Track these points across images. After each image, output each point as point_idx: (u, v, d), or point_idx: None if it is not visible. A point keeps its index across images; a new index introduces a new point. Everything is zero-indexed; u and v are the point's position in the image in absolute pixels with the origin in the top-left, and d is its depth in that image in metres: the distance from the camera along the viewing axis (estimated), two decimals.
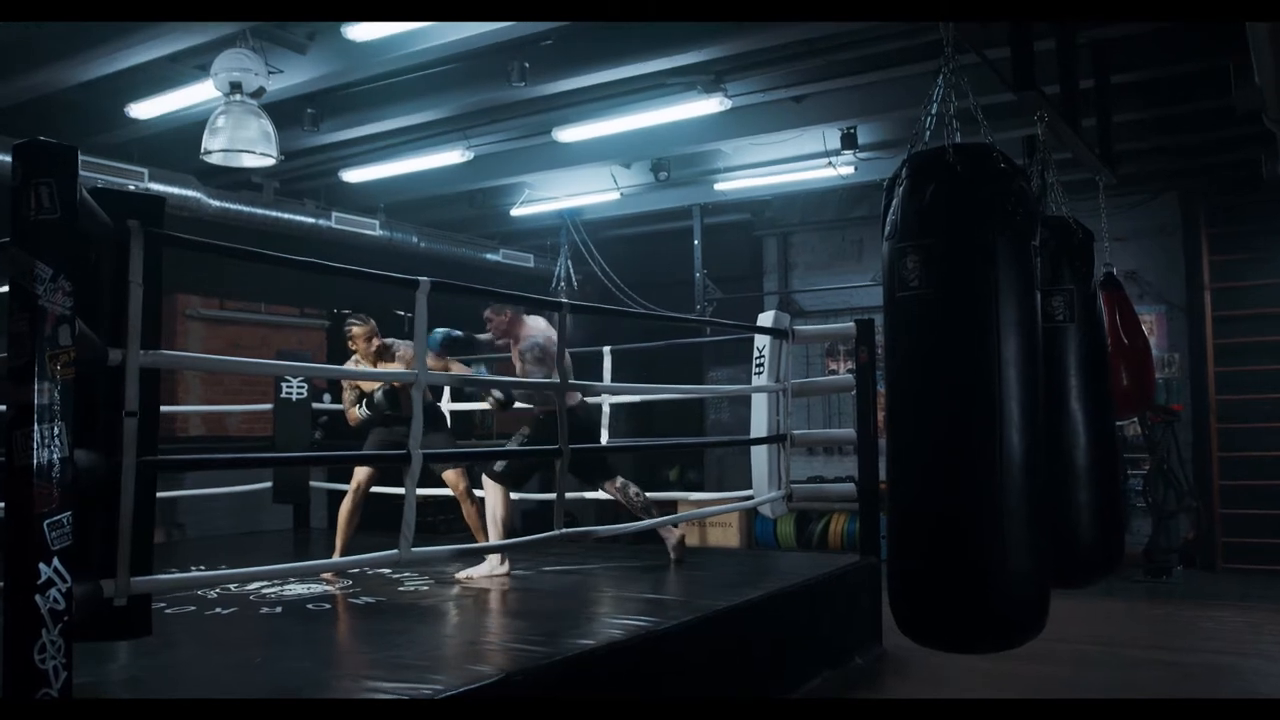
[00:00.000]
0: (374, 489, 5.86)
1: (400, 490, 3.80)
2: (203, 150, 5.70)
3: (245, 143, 5.62)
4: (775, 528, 10.18)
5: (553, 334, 5.33)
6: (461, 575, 5.37)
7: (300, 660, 3.70)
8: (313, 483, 7.78)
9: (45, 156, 2.32)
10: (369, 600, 4.83)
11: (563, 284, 10.63)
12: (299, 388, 7.31)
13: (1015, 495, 3.03)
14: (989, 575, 3.03)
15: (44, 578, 2.23)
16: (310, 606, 4.68)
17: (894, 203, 3.20)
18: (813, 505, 10.04)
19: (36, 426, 2.24)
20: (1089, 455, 4.22)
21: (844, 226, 10.97)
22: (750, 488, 6.31)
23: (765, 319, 6.15)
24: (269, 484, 7.47)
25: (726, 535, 10.28)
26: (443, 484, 6.37)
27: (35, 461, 2.23)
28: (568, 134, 7.44)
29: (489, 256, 10.93)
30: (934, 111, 3.36)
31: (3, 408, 2.32)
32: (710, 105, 6.73)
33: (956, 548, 3.06)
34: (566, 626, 4.25)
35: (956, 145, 3.15)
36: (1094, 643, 5.96)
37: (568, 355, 4.85)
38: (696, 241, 10.49)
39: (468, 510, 5.80)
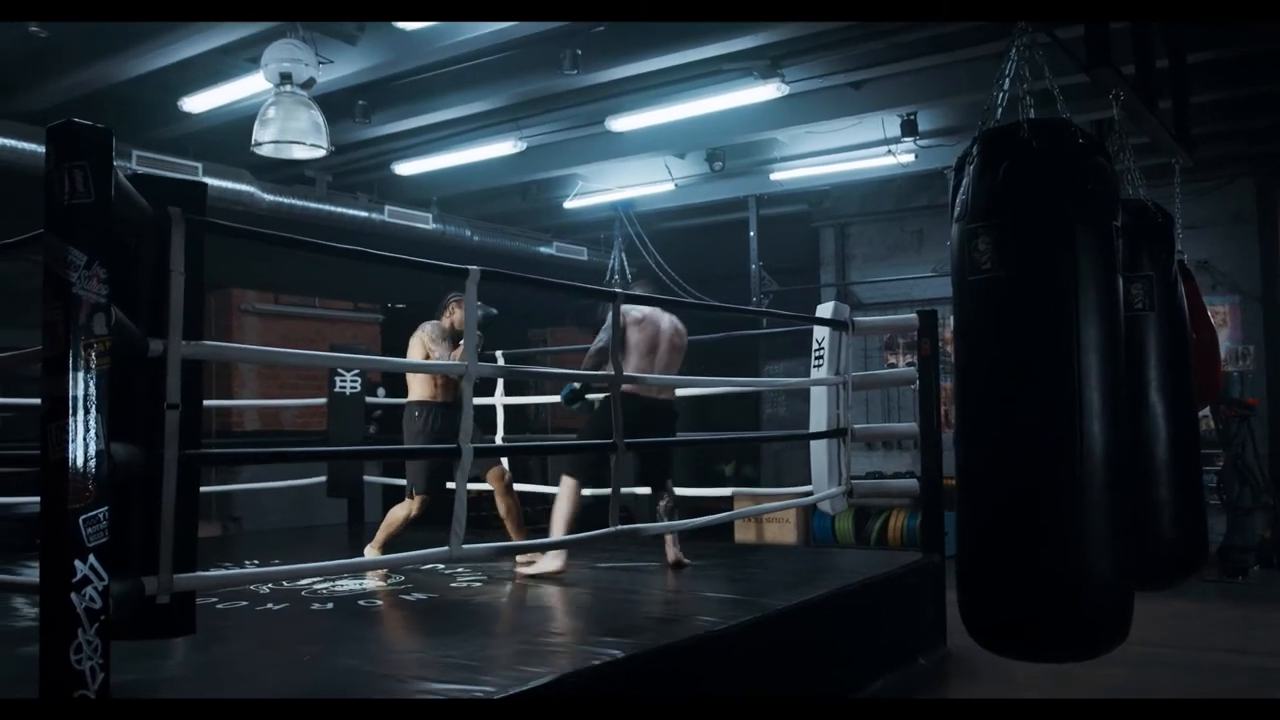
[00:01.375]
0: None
1: (451, 485, 3.70)
2: (253, 142, 5.66)
3: (296, 134, 5.57)
4: (833, 524, 10.00)
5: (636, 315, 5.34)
6: (522, 570, 5.28)
7: (350, 658, 3.62)
8: (366, 477, 7.75)
9: (79, 138, 2.23)
10: (420, 597, 4.75)
11: (617, 277, 10.52)
12: (353, 382, 7.28)
13: (1097, 492, 2.86)
14: (1069, 578, 2.86)
15: (79, 575, 2.14)
16: (362, 603, 4.61)
17: (964, 182, 3.03)
18: (872, 501, 9.84)
19: (71, 419, 2.16)
20: (1170, 451, 4.03)
21: (903, 217, 10.73)
22: (808, 483, 6.15)
23: (824, 310, 5.98)
24: (323, 478, 7.45)
25: (783, 531, 10.10)
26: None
27: (70, 455, 2.15)
28: (621, 123, 7.31)
29: (542, 250, 10.85)
30: (1005, 87, 3.18)
31: (38, 401, 2.24)
32: (767, 91, 6.56)
33: (1033, 548, 2.89)
34: (622, 626, 4.13)
35: (1031, 120, 2.98)
36: (1167, 645, 5.72)
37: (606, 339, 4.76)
38: (752, 233, 10.32)
39: (506, 505, 5.66)
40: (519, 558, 5.44)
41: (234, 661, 3.61)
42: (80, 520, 2.15)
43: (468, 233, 9.92)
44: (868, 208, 10.85)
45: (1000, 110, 3.17)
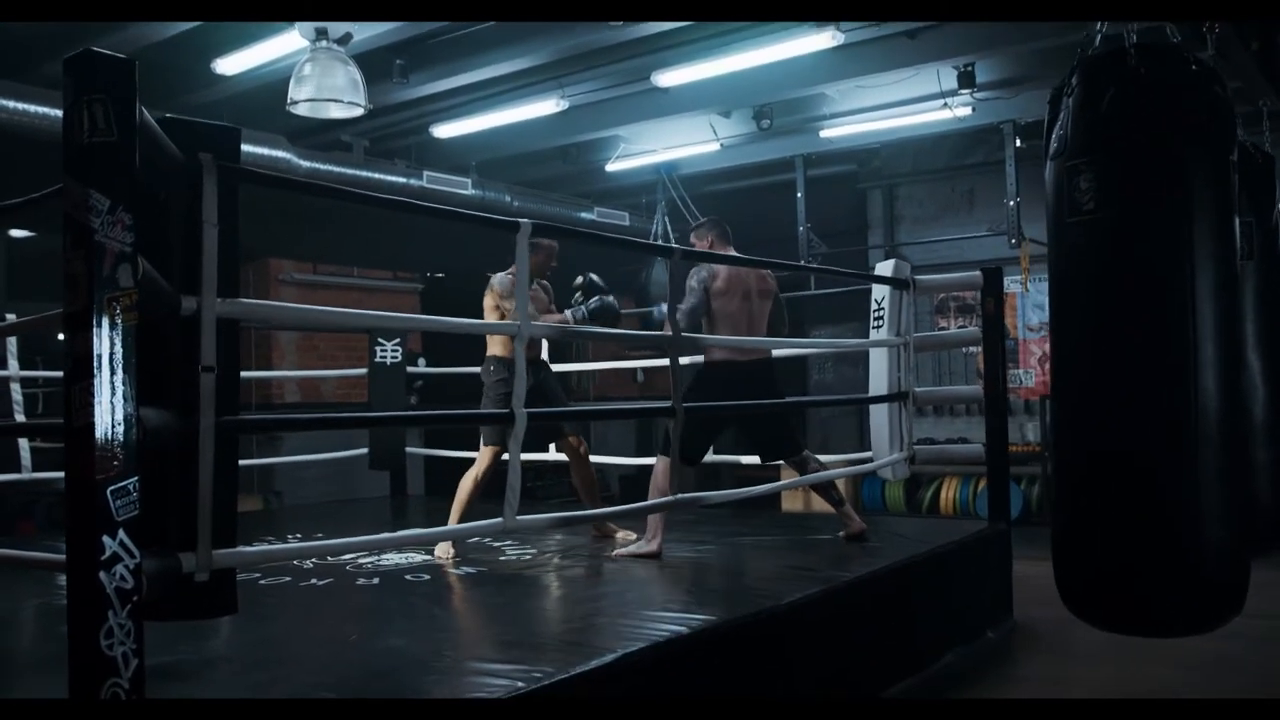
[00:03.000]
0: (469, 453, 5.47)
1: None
2: (289, 100, 5.44)
3: (333, 91, 5.34)
4: (883, 492, 9.75)
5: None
6: (615, 554, 4.92)
7: (399, 637, 3.43)
8: (409, 448, 7.60)
9: (98, 69, 2.03)
10: (469, 571, 4.57)
11: (660, 241, 10.27)
12: (393, 351, 7.11)
13: (1213, 451, 2.60)
14: (1183, 546, 2.61)
15: (109, 552, 1.95)
16: (409, 577, 4.43)
17: (1061, 115, 2.77)
18: (922, 469, 9.57)
19: (96, 379, 1.96)
20: (1268, 410, 3.76)
21: (952, 176, 10.40)
22: (858, 449, 5.90)
23: (884, 268, 5.70)
24: (365, 450, 7.30)
25: None
26: (542, 448, 6.07)
27: (96, 420, 1.95)
28: (668, 77, 7.02)
29: (583, 215, 10.60)
30: None
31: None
32: (822, 40, 6.25)
33: (1143, 513, 2.64)
34: (682, 601, 3.93)
35: (1139, 45, 2.70)
36: (1256, 616, 5.43)
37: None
38: (800, 194, 10.01)
39: (584, 475, 5.42)
40: (620, 539, 5.17)
41: (278, 642, 3.44)
42: (108, 492, 1.96)
43: (507, 198, 9.68)
44: (920, 165, 10.52)
45: (1099, 38, 2.89)
